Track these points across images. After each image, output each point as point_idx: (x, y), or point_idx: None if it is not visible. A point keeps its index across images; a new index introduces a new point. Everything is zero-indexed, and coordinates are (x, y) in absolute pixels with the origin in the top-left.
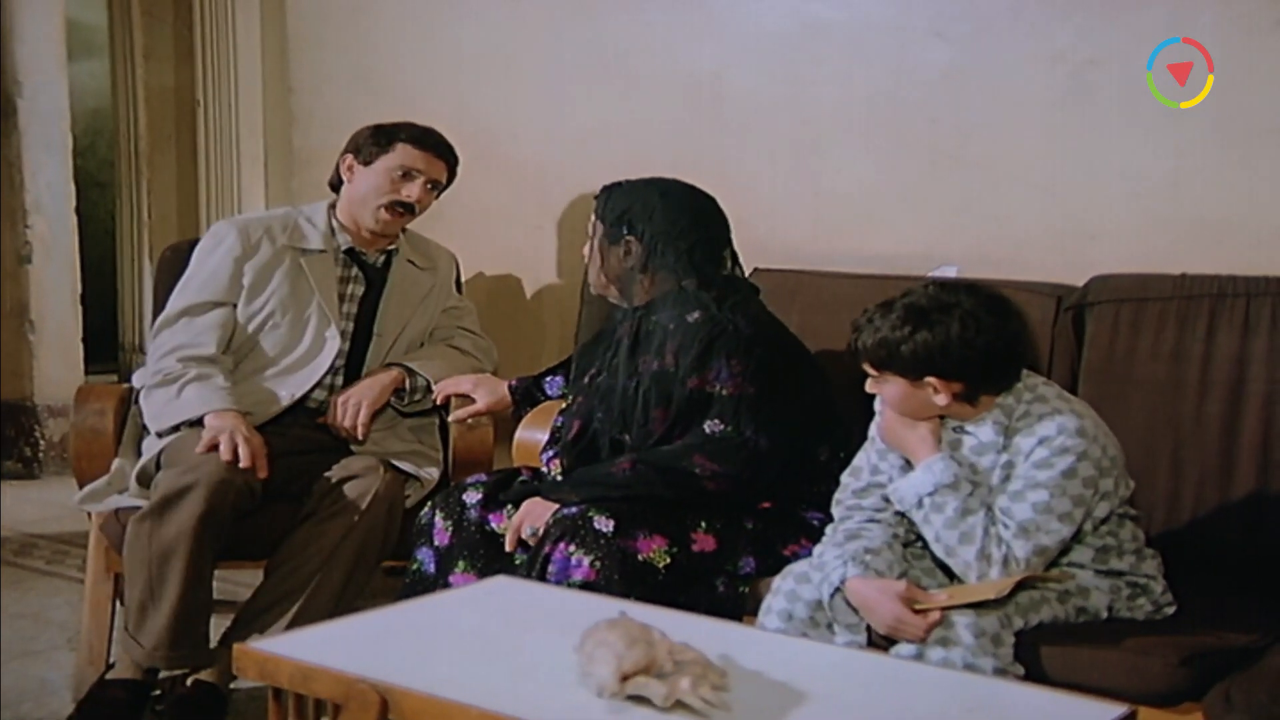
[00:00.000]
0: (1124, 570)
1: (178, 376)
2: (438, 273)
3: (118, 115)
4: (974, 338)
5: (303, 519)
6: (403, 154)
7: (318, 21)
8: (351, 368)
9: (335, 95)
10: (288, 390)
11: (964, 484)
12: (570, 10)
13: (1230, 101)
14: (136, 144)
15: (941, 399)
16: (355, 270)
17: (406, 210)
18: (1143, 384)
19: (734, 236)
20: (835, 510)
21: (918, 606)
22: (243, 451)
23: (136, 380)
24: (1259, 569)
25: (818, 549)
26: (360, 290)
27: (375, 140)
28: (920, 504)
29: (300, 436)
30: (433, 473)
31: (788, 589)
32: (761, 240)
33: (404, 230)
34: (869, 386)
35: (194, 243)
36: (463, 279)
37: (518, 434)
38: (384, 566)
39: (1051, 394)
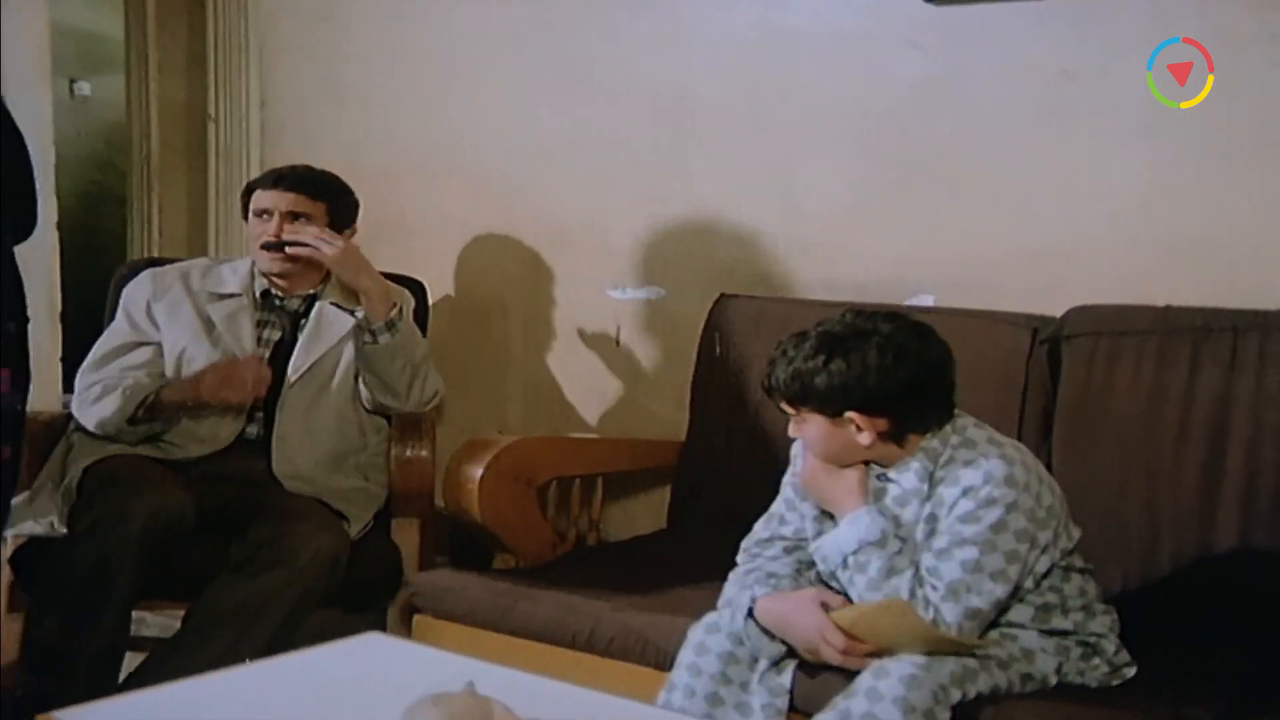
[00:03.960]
0: (1069, 629)
1: (118, 382)
2: None
3: (131, 129)
4: (893, 365)
5: (235, 566)
6: (255, 200)
7: (287, 30)
8: (270, 411)
9: (305, 106)
10: (226, 425)
11: (891, 540)
12: (537, 21)
13: (1215, 116)
14: (149, 158)
15: (865, 438)
16: (270, 315)
17: (277, 248)
18: (1119, 423)
19: (700, 259)
20: (740, 557)
21: (834, 614)
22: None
23: (74, 407)
24: (1237, 626)
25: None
26: (275, 335)
27: (244, 196)
28: (845, 563)
29: (235, 466)
30: (365, 510)
31: (696, 641)
32: (729, 264)
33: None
34: (790, 430)
35: None
36: (429, 311)
37: (450, 467)
38: None
39: (981, 437)
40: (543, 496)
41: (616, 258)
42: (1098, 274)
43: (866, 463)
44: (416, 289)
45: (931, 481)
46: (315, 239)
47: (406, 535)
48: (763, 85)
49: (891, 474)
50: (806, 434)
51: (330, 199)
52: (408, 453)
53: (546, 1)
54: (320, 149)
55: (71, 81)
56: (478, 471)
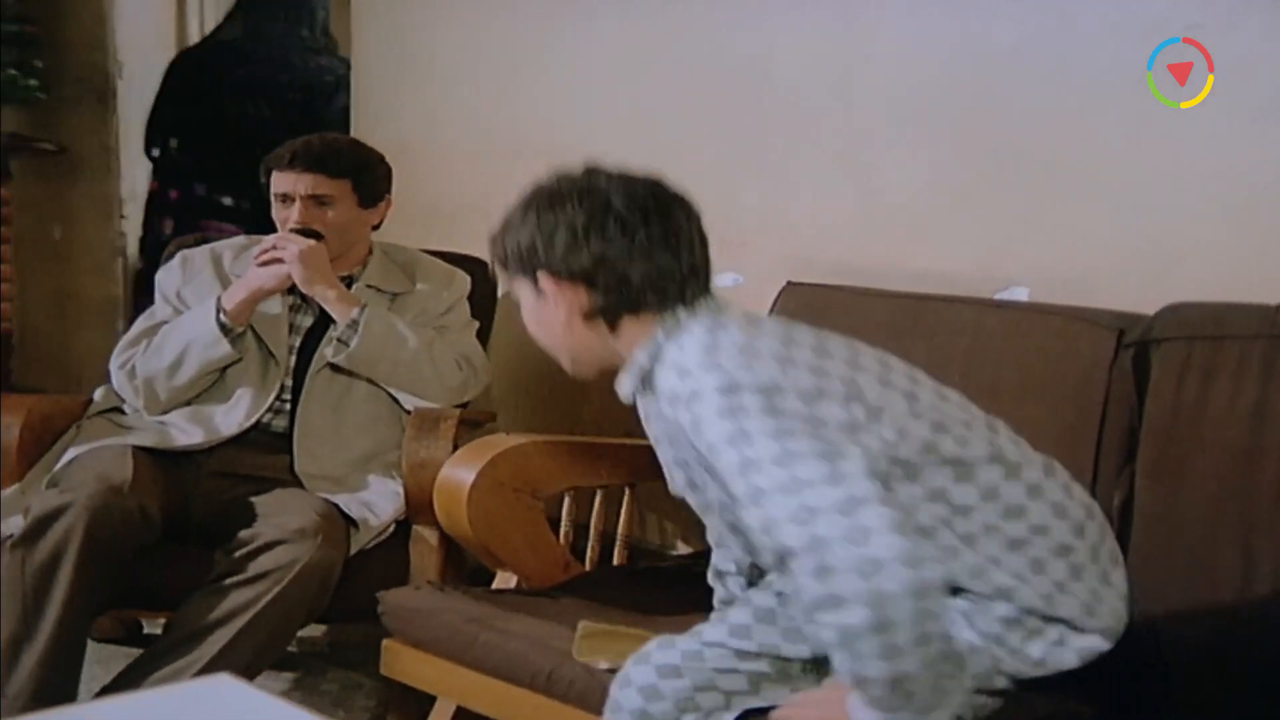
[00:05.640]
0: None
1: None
2: (414, 295)
3: None
4: (593, 225)
5: (216, 577)
6: (274, 183)
7: (373, 4)
8: (296, 400)
9: (390, 81)
10: (242, 413)
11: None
12: None
13: None
14: None
15: (560, 313)
16: (302, 300)
17: (310, 236)
18: (1212, 447)
19: (780, 244)
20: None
21: None
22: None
23: (100, 393)
24: None
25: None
26: (307, 321)
27: (262, 173)
28: None
29: (254, 462)
30: (381, 514)
31: (645, 683)
32: (805, 250)
33: (373, 251)
34: None
35: None
36: (495, 294)
37: (442, 472)
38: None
39: (701, 324)
40: (560, 507)
41: None
42: (1210, 276)
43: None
44: (481, 271)
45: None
46: (276, 249)
47: (423, 545)
48: (842, 55)
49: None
50: (523, 310)
51: (353, 174)
52: (422, 453)
53: None
54: (405, 127)
55: None
56: (469, 478)
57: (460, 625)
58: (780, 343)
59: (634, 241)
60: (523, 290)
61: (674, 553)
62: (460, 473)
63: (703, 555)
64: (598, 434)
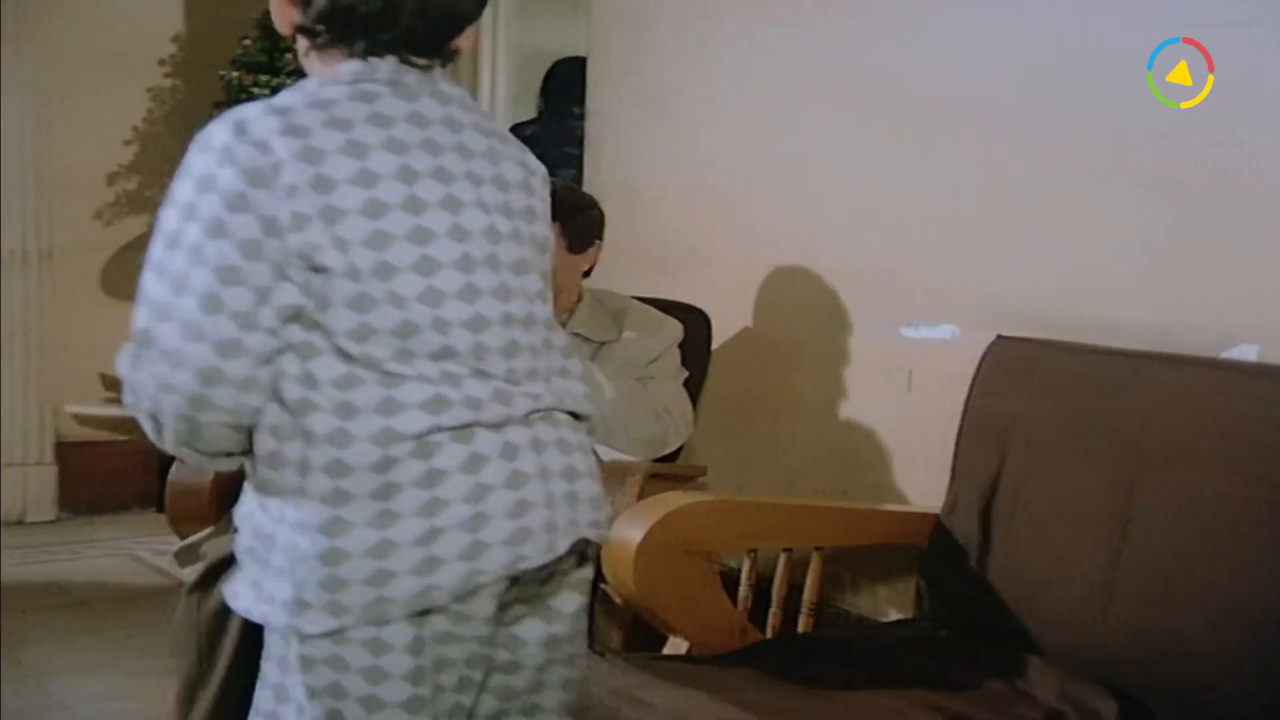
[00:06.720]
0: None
1: None
2: (620, 344)
3: None
4: None
5: None
6: None
7: (612, 38)
8: None
9: (624, 118)
10: None
11: None
12: (848, 47)
13: None
14: None
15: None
16: None
17: None
18: None
19: (992, 294)
20: None
21: None
22: None
23: None
24: None
25: None
26: None
27: None
28: None
29: None
30: None
31: None
32: (1019, 300)
33: (583, 298)
34: None
35: None
36: (710, 344)
37: (611, 530)
38: None
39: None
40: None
41: (910, 291)
42: None
43: None
44: (697, 320)
45: None
46: None
47: (610, 606)
48: (1047, 76)
49: None
50: None
51: (564, 217)
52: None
53: (859, 31)
54: (635, 163)
55: None
56: (635, 538)
57: (603, 696)
58: (347, 143)
59: None
60: None
61: (883, 620)
62: (628, 532)
63: (905, 623)
64: (813, 491)
